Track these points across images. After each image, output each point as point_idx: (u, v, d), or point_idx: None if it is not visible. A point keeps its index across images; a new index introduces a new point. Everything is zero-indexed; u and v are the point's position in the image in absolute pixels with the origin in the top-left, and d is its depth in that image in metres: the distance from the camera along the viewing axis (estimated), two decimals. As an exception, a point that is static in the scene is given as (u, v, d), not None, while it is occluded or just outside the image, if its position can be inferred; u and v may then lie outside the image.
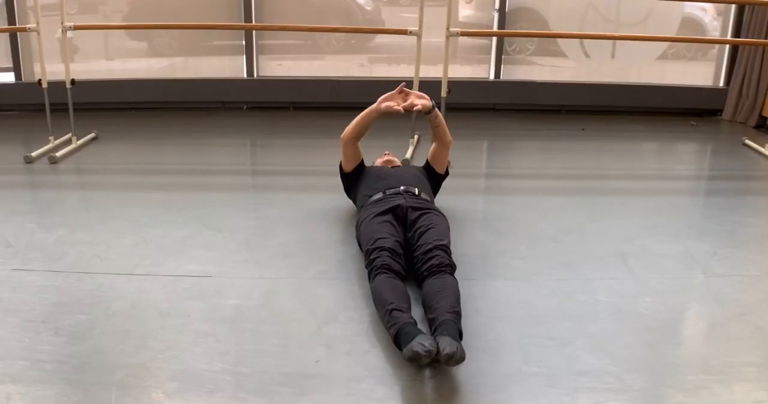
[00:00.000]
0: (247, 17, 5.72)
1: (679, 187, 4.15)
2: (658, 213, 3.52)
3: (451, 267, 2.45)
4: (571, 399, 1.89)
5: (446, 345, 1.95)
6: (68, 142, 4.53)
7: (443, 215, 2.82)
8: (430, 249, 2.50)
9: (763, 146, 4.77)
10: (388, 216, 2.74)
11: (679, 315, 2.45)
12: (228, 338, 2.18)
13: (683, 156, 5.15)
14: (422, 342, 1.94)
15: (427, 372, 2.01)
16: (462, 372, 2.01)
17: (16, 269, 2.65)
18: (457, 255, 2.65)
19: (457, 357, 1.93)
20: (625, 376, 2.00)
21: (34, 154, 4.23)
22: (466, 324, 2.23)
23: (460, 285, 2.34)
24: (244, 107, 5.96)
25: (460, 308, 2.23)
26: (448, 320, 2.12)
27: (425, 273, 2.42)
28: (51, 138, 4.45)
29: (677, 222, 3.38)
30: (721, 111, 5.97)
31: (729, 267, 2.82)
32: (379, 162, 3.39)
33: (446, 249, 2.54)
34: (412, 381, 1.97)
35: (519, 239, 3.03)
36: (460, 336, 2.09)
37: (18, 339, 2.14)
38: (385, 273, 2.41)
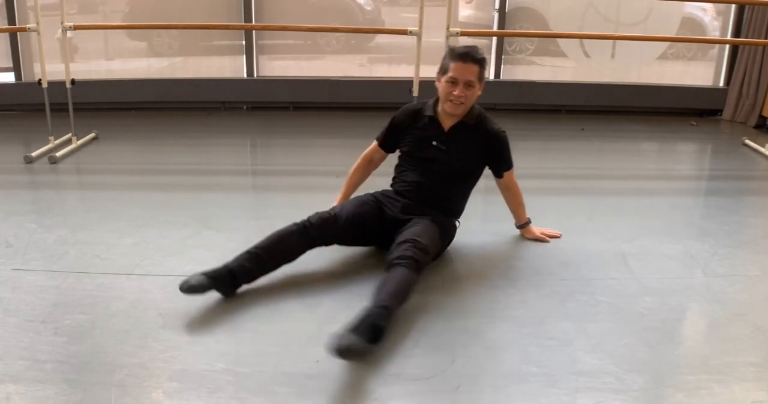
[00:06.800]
0: (247, 17, 5.72)
1: (679, 187, 4.15)
2: (658, 213, 3.52)
3: (413, 260, 2.37)
4: (571, 399, 1.89)
5: (342, 339, 1.97)
6: (68, 142, 4.53)
7: (438, 222, 2.70)
8: (402, 242, 2.47)
9: (763, 146, 4.77)
10: (375, 207, 2.76)
11: (679, 315, 2.45)
12: (228, 338, 2.18)
13: (683, 156, 5.15)
14: (191, 279, 2.32)
15: (427, 373, 2.01)
16: (462, 372, 2.01)
17: (16, 269, 2.65)
18: (457, 256, 2.65)
19: (347, 351, 1.95)
20: (625, 376, 2.00)
21: (34, 154, 4.23)
22: (465, 324, 2.25)
23: (460, 284, 2.34)
24: (244, 107, 5.96)
25: (391, 302, 2.19)
26: (366, 315, 2.10)
27: (386, 267, 2.39)
28: (51, 138, 4.45)
29: (677, 223, 3.38)
30: (721, 111, 5.98)
31: (729, 267, 2.82)
32: (445, 92, 2.70)
33: (417, 243, 2.45)
34: (412, 382, 1.97)
35: (519, 239, 3.03)
36: (377, 331, 2.06)
37: (18, 339, 2.14)
38: (298, 227, 2.55)
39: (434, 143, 2.77)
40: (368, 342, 2.02)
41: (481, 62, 2.66)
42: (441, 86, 2.72)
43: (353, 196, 2.95)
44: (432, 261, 2.65)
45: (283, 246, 2.53)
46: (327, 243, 2.67)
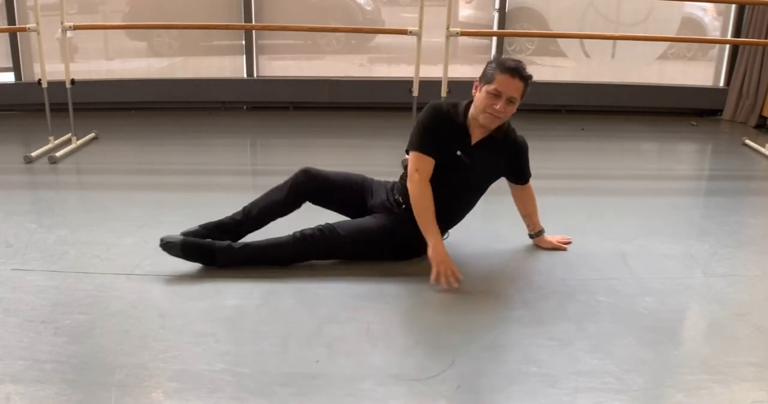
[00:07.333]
0: (247, 17, 5.72)
1: (679, 186, 4.15)
2: (658, 213, 3.52)
3: (302, 236, 2.60)
4: (571, 399, 1.89)
5: (173, 239, 2.57)
6: (68, 142, 4.53)
7: (398, 225, 2.67)
8: (324, 224, 2.65)
9: (763, 146, 4.77)
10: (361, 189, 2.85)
11: (679, 315, 2.45)
12: (228, 338, 2.18)
13: (683, 156, 5.15)
14: (167, 237, 2.60)
15: (427, 373, 2.01)
16: (462, 372, 2.01)
17: (16, 269, 2.65)
18: (456, 256, 2.65)
19: (165, 246, 2.56)
20: (625, 376, 2.00)
21: (34, 154, 4.23)
22: (465, 324, 2.25)
23: (459, 284, 2.34)
24: (244, 107, 5.96)
25: (242, 248, 2.61)
26: (215, 241, 2.62)
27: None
28: (51, 138, 4.45)
29: (677, 223, 3.38)
30: (721, 111, 5.98)
31: (729, 267, 2.82)
32: (484, 103, 2.56)
33: (329, 229, 2.61)
34: (412, 382, 1.97)
35: (519, 239, 3.03)
36: (207, 254, 2.60)
37: (18, 339, 2.14)
38: (287, 184, 2.77)
39: (459, 154, 2.65)
40: (184, 254, 2.57)
41: (528, 80, 2.56)
42: (480, 96, 2.57)
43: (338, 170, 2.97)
44: (389, 259, 2.72)
45: (273, 196, 2.79)
46: (311, 198, 2.81)
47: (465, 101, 2.69)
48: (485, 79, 2.57)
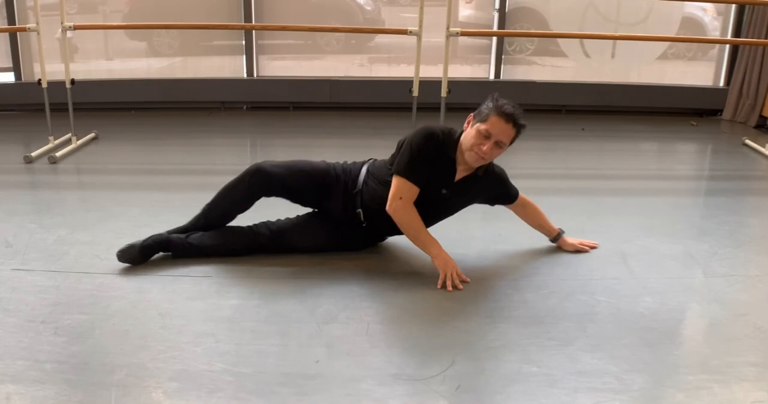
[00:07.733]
0: (247, 17, 5.73)
1: (679, 187, 4.15)
2: (658, 213, 3.52)
3: (257, 242, 2.73)
4: (571, 399, 1.89)
5: (131, 250, 2.63)
6: (68, 142, 4.53)
7: (340, 237, 2.81)
8: (275, 223, 2.80)
9: (763, 146, 4.77)
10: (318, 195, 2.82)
11: (679, 315, 2.45)
12: (228, 338, 2.18)
13: (683, 156, 5.15)
14: (121, 254, 2.63)
15: (427, 372, 2.01)
16: (462, 372, 2.01)
17: (15, 269, 2.65)
18: (456, 256, 2.65)
19: (121, 256, 2.63)
20: (625, 376, 2.00)
21: (34, 154, 4.23)
22: (465, 324, 2.26)
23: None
24: (244, 107, 5.96)
25: (198, 244, 2.71)
26: (172, 237, 2.72)
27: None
28: (51, 138, 4.45)
29: (677, 223, 3.38)
30: (721, 111, 5.98)
31: (729, 267, 2.82)
32: (472, 142, 2.53)
33: (284, 243, 2.75)
34: (412, 382, 1.97)
35: (519, 239, 3.03)
36: (162, 248, 2.70)
37: (18, 339, 2.14)
38: (243, 184, 2.77)
39: (444, 192, 2.64)
40: (144, 259, 2.66)
41: (520, 129, 2.53)
42: (471, 132, 2.54)
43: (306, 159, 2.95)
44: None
45: (231, 196, 2.82)
46: (267, 194, 2.81)
47: (458, 132, 2.64)
48: (480, 116, 2.54)
